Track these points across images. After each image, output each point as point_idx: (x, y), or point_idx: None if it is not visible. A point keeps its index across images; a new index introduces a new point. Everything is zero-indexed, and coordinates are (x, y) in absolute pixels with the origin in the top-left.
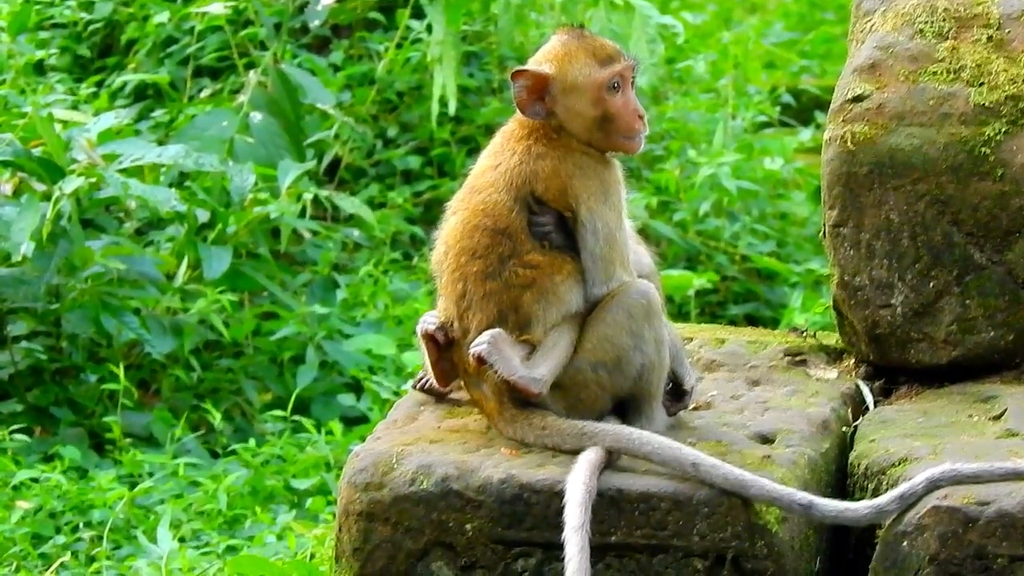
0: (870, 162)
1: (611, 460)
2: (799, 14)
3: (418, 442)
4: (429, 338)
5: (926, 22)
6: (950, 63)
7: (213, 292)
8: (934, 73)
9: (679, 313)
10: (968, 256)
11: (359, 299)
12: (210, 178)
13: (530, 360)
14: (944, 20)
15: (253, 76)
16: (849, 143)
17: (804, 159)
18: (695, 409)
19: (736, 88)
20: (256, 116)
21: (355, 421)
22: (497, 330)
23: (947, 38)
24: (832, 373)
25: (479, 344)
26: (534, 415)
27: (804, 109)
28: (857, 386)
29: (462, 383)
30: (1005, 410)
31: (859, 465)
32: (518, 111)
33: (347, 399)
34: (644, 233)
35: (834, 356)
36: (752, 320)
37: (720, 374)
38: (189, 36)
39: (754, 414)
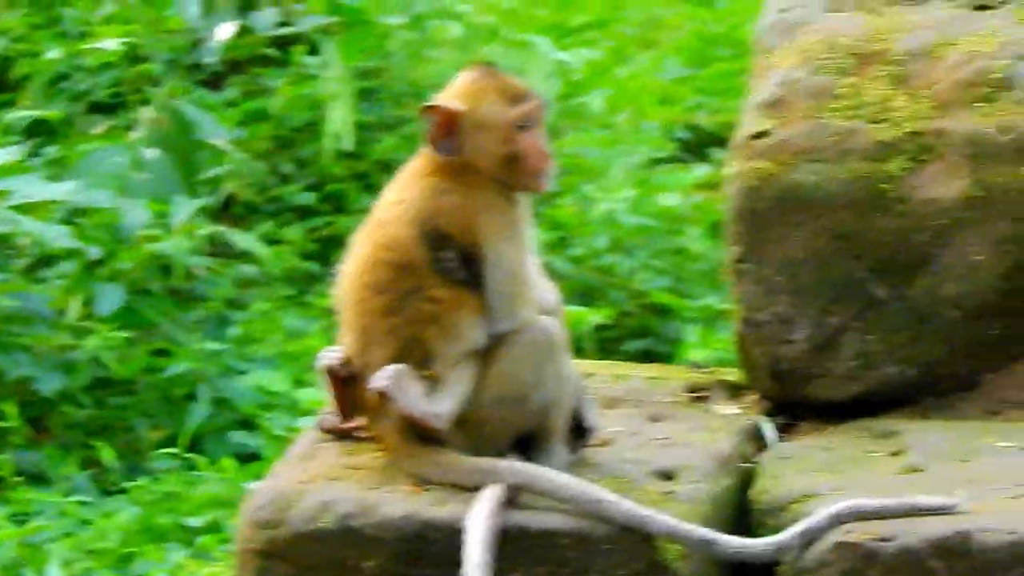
0: (772, 198)
1: (513, 498)
2: (693, 50)
3: (317, 479)
4: (330, 373)
5: (827, 58)
6: (852, 99)
7: (105, 329)
8: (835, 109)
9: (576, 349)
10: (870, 291)
11: (253, 336)
12: (103, 214)
13: (432, 396)
14: (845, 57)
15: (147, 112)
16: (752, 179)
17: (700, 194)
18: (596, 446)
19: (632, 124)
20: (150, 152)
21: (249, 458)
22: (399, 365)
23: (848, 74)
24: (734, 409)
25: (380, 379)
26: (435, 452)
27: (700, 144)
28: (758, 422)
29: (364, 419)
30: (906, 445)
31: (760, 501)
32: (426, 147)
33: (240, 436)
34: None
35: (736, 392)
36: (648, 355)
37: (621, 410)
38: (82, 72)
39: (655, 450)
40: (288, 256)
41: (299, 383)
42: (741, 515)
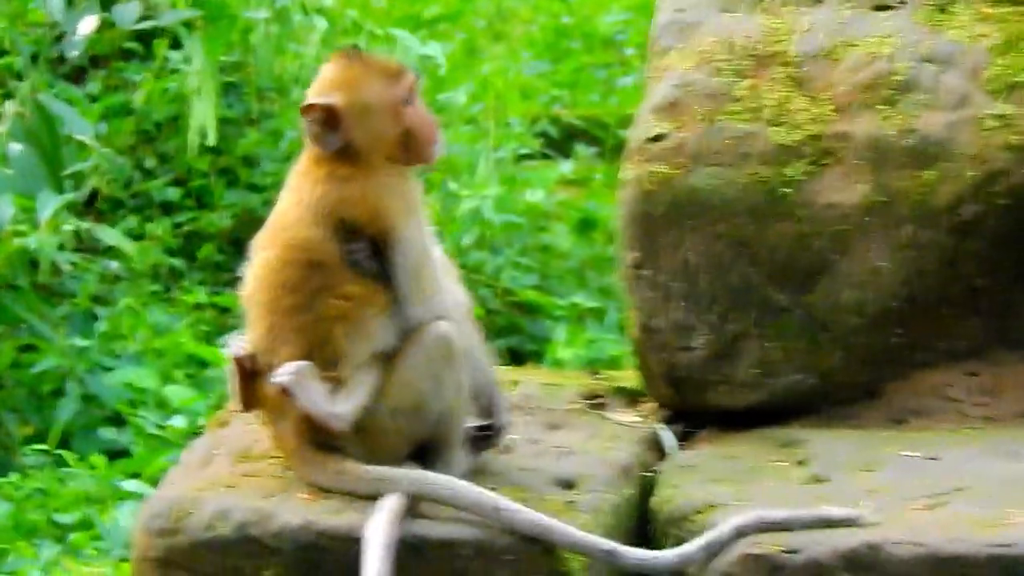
0: (668, 202)
1: (412, 507)
2: (545, 43)
3: (214, 487)
4: (238, 361)
5: (725, 60)
6: (749, 102)
7: None
8: (734, 112)
9: None
10: (768, 298)
11: (119, 332)
12: None
13: (334, 397)
14: (743, 58)
15: (10, 106)
16: (647, 183)
17: (566, 191)
18: (495, 453)
19: (496, 119)
20: (14, 147)
21: (118, 455)
22: (303, 362)
23: (746, 76)
24: (631, 416)
25: (283, 374)
26: (331, 459)
27: (564, 139)
28: (656, 430)
29: (262, 417)
30: (809, 455)
31: (661, 511)
32: (312, 144)
33: (109, 433)
34: None
35: (633, 399)
36: (515, 354)
37: (517, 418)
38: None
39: (554, 459)
40: (153, 252)
41: (167, 379)
42: (642, 525)
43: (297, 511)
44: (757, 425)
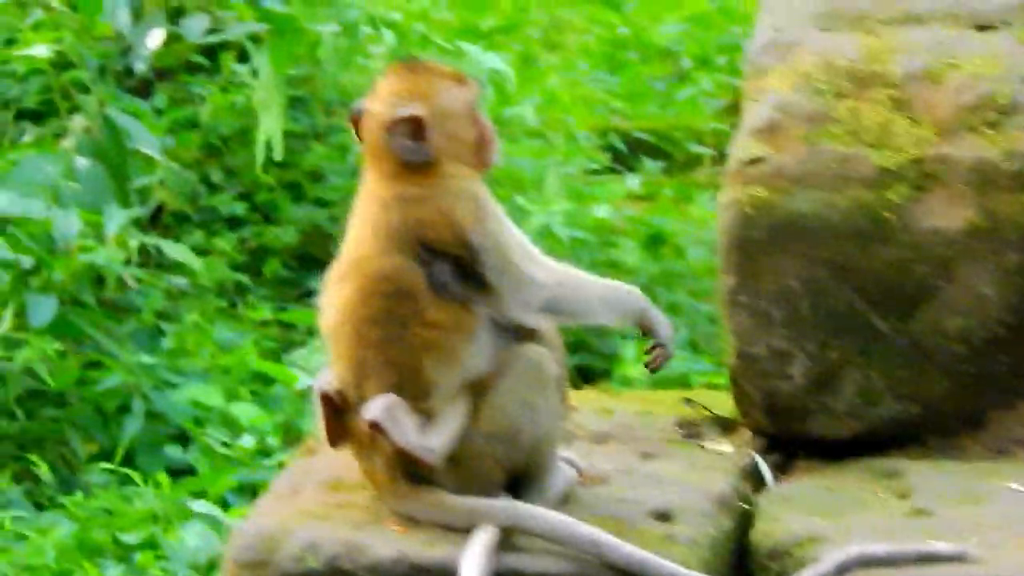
0: (768, 226)
1: (507, 539)
2: (602, 54)
3: (304, 518)
4: (325, 398)
5: (824, 81)
6: (850, 124)
7: (38, 340)
8: (834, 134)
9: None
10: (871, 325)
11: (185, 348)
12: (35, 224)
13: (425, 429)
14: (843, 79)
15: (79, 121)
16: (747, 207)
17: (632, 206)
18: (588, 484)
19: (564, 133)
20: (82, 161)
21: (181, 472)
22: (393, 396)
23: (847, 98)
24: (727, 446)
25: (373, 410)
26: (425, 491)
27: (632, 153)
28: (754, 459)
29: (353, 452)
30: (912, 487)
31: (762, 545)
32: (378, 162)
33: (174, 450)
34: None
35: (728, 428)
36: (583, 372)
37: (611, 447)
38: (10, 79)
39: (650, 489)
40: (219, 267)
41: (232, 397)
42: (740, 559)
43: (390, 543)
44: (857, 455)
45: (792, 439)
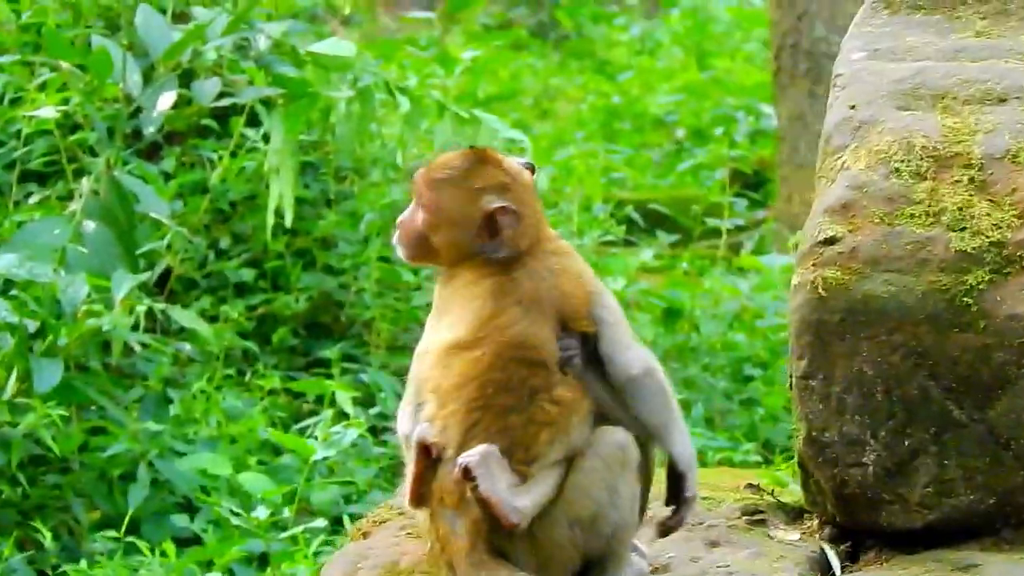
0: (842, 309)
1: None
2: (598, 123)
3: None
4: (424, 448)
5: (902, 160)
6: (929, 205)
7: (42, 405)
8: (912, 216)
9: None
10: (946, 412)
11: (192, 415)
12: (41, 288)
13: (517, 491)
14: (922, 159)
15: (86, 183)
16: (820, 289)
17: (647, 279)
18: (652, 572)
19: (580, 204)
20: (89, 225)
21: (187, 542)
22: (493, 447)
23: (925, 178)
24: (794, 534)
25: (470, 455)
26: (503, 568)
27: (645, 225)
28: (823, 549)
29: (430, 515)
30: None
31: None
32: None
33: (180, 519)
34: None
35: (794, 515)
36: None
37: (675, 533)
38: (16, 140)
39: None
40: (227, 334)
41: (240, 466)
42: None
43: None
44: (929, 546)
45: (864, 528)
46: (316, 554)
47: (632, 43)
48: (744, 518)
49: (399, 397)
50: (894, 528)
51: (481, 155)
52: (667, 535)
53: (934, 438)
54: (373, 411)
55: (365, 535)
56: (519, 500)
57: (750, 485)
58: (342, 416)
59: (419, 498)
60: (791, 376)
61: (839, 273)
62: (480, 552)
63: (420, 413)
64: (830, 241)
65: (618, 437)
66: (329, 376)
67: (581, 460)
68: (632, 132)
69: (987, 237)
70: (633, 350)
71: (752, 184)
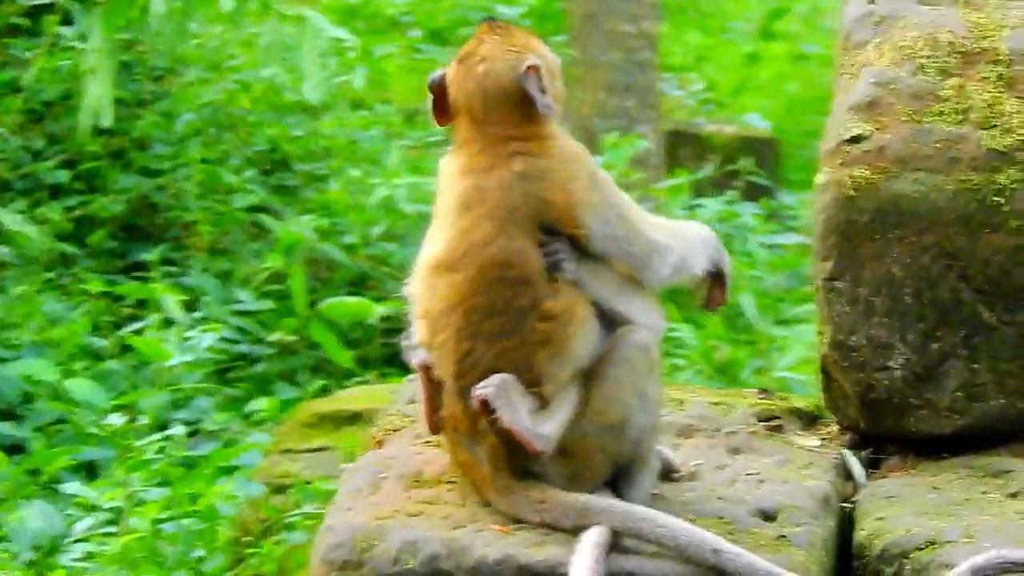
0: (871, 210)
1: (616, 541)
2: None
3: (396, 515)
4: (425, 371)
5: (928, 57)
6: (957, 102)
7: None
8: (940, 113)
9: (351, 344)
10: (977, 315)
11: (12, 320)
12: None
13: (538, 416)
14: (948, 55)
15: None
16: (847, 188)
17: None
18: (681, 479)
19: (397, 104)
20: None
21: (14, 450)
22: (507, 375)
23: (952, 75)
24: (814, 440)
25: (486, 386)
26: (532, 487)
27: None
28: (843, 456)
29: (448, 441)
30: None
31: (871, 547)
32: (480, 127)
33: (5, 427)
34: (314, 258)
35: (810, 421)
36: None
37: (697, 440)
38: None
39: (749, 487)
40: (45, 237)
41: (67, 372)
42: (843, 560)
43: (493, 544)
44: (954, 452)
45: (885, 435)
46: (146, 462)
47: None
48: (761, 424)
49: (223, 301)
50: (921, 434)
51: (505, 25)
52: (715, 309)
53: (964, 341)
54: (196, 315)
55: (380, 444)
56: (544, 427)
57: (762, 390)
58: (167, 321)
59: (434, 424)
60: (815, 279)
61: (867, 172)
62: (505, 477)
63: (416, 335)
64: (857, 139)
65: (641, 338)
66: (149, 280)
67: (606, 368)
68: (368, 35)
69: (1018, 135)
70: (656, 256)
71: None
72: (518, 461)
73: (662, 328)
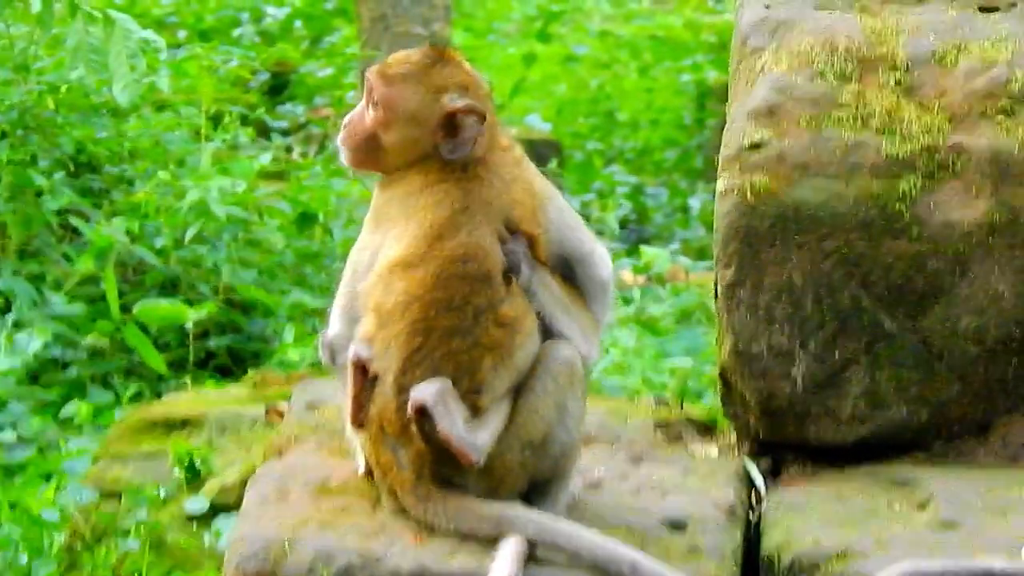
0: (772, 216)
1: (531, 551)
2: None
3: (307, 525)
4: (359, 367)
5: (826, 63)
6: (856, 108)
7: None
8: (839, 119)
9: (164, 347)
10: (878, 322)
11: None
12: None
13: (472, 425)
14: (846, 61)
15: None
16: (748, 195)
17: (266, 184)
18: (586, 489)
19: (202, 107)
20: None
21: None
22: (446, 381)
23: (851, 81)
24: (712, 449)
25: (424, 392)
26: (451, 496)
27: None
28: (744, 464)
29: (370, 441)
30: (930, 496)
31: (780, 558)
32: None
33: None
34: (125, 261)
35: (707, 430)
36: (234, 354)
37: (598, 449)
38: None
39: (654, 497)
40: None
41: None
42: (750, 571)
43: (407, 553)
44: (855, 461)
45: (786, 443)
46: None
47: None
48: (659, 431)
49: (35, 304)
50: (823, 443)
51: (442, 53)
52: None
53: (866, 349)
54: (9, 317)
55: (281, 452)
56: (478, 436)
57: (658, 399)
58: None
59: (359, 421)
60: (716, 285)
61: (767, 179)
62: (426, 483)
63: (357, 328)
64: (756, 146)
65: (567, 353)
66: None
67: (532, 380)
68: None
69: (918, 142)
70: (598, 250)
71: (282, 85)
72: (442, 469)
73: (594, 356)
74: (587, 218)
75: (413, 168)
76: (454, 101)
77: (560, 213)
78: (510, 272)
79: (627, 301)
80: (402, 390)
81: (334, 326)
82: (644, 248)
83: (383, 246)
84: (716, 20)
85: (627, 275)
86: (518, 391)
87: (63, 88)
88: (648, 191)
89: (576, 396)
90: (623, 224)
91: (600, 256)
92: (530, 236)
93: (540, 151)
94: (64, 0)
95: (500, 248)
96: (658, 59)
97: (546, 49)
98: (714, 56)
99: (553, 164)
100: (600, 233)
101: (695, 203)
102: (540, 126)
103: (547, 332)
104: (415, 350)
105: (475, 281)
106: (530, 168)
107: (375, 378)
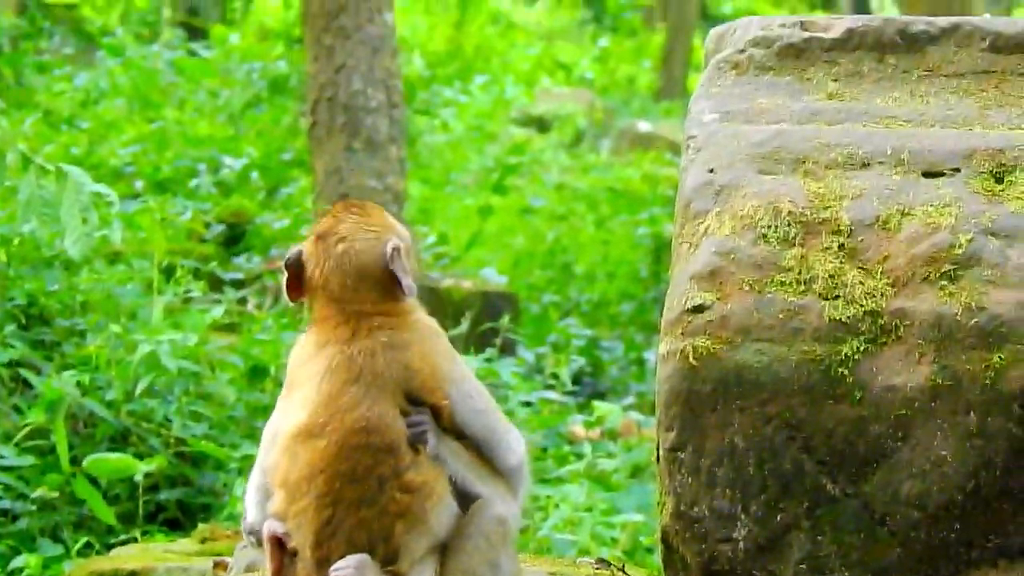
0: (714, 380)
1: None
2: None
3: None
4: (277, 543)
5: (769, 226)
6: (799, 272)
7: None
8: (782, 283)
9: (113, 500)
10: (821, 487)
11: None
12: None
13: None
14: (789, 225)
15: None
16: (690, 358)
17: (218, 337)
18: None
19: (155, 259)
20: None
21: None
22: (363, 556)
23: (794, 244)
24: None
25: (343, 568)
26: None
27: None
28: None
29: None
30: None
31: None
32: (339, 304)
33: None
34: (76, 414)
35: None
36: (184, 507)
37: None
38: None
39: None
40: None
41: None
42: None
43: None
44: None
45: None
46: None
47: (77, 93)
48: None
49: None
50: None
51: (359, 204)
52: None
53: (808, 513)
54: None
55: None
56: None
57: (600, 560)
58: None
59: None
60: (658, 448)
61: (709, 342)
62: None
63: (268, 505)
64: (699, 309)
65: (499, 511)
66: None
67: (461, 541)
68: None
69: (861, 306)
70: (510, 434)
71: (238, 236)
72: None
73: (517, 519)
74: (540, 371)
75: (313, 322)
76: (395, 243)
77: (467, 385)
78: (415, 443)
79: (579, 456)
80: (320, 564)
81: (250, 511)
82: (596, 403)
83: (288, 413)
84: (673, 173)
85: (579, 430)
86: (447, 553)
87: (15, 240)
88: (603, 344)
89: (510, 554)
90: (577, 378)
91: (508, 443)
92: (434, 407)
93: (495, 304)
94: (17, 153)
95: (403, 419)
96: (615, 212)
97: (503, 201)
98: (671, 209)
99: (506, 319)
100: (551, 387)
101: (651, 357)
102: (496, 279)
103: (465, 498)
104: (325, 523)
105: (378, 452)
106: (432, 335)
107: (294, 553)
